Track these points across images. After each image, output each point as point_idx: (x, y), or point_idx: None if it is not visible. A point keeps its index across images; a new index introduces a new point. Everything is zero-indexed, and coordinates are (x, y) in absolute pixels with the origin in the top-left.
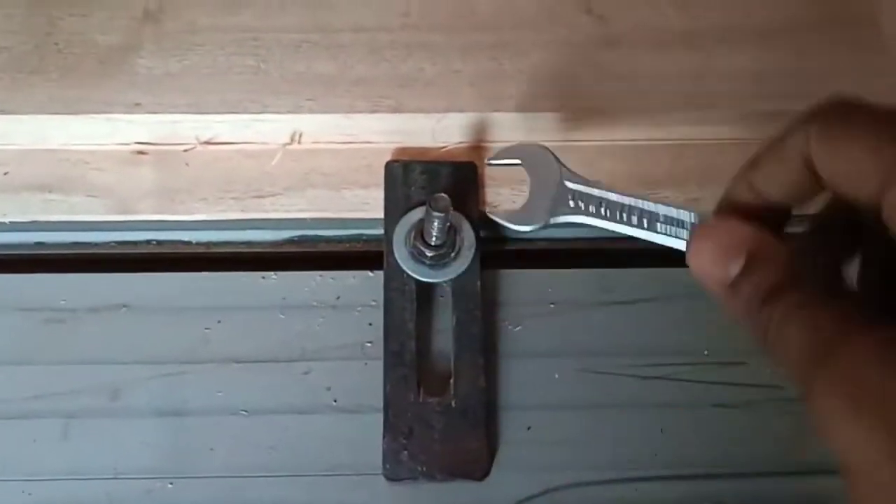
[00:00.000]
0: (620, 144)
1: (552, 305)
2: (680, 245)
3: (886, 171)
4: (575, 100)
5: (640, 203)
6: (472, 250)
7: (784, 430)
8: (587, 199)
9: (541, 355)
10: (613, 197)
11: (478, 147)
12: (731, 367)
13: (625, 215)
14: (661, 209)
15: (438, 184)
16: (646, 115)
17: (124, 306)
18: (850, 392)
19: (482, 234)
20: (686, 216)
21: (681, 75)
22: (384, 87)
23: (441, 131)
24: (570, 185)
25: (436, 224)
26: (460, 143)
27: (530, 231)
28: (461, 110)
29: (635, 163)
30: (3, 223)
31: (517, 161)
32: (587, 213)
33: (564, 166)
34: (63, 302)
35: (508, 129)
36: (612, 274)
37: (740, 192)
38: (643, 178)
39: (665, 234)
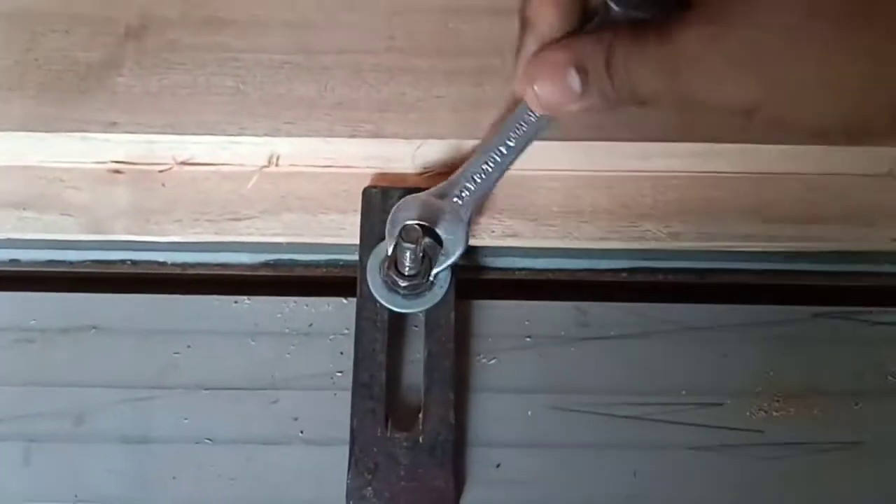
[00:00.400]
0: (603, 175)
1: (528, 339)
2: (536, 128)
3: None
4: (557, 128)
5: (487, 146)
6: (447, 280)
7: (761, 475)
8: (460, 186)
9: (514, 391)
10: (470, 166)
11: None
12: (708, 409)
13: (491, 162)
14: (503, 129)
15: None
16: (629, 145)
17: (94, 327)
18: (709, 68)
19: (459, 263)
20: (522, 110)
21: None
22: (364, 111)
23: (421, 157)
24: (444, 199)
25: (408, 255)
26: (441, 170)
27: (463, 251)
28: (442, 137)
29: (617, 194)
30: None
31: (417, 229)
32: (477, 192)
33: (428, 191)
34: (33, 322)
35: None
36: (590, 308)
37: (529, 46)
38: (625, 211)
39: (521, 135)
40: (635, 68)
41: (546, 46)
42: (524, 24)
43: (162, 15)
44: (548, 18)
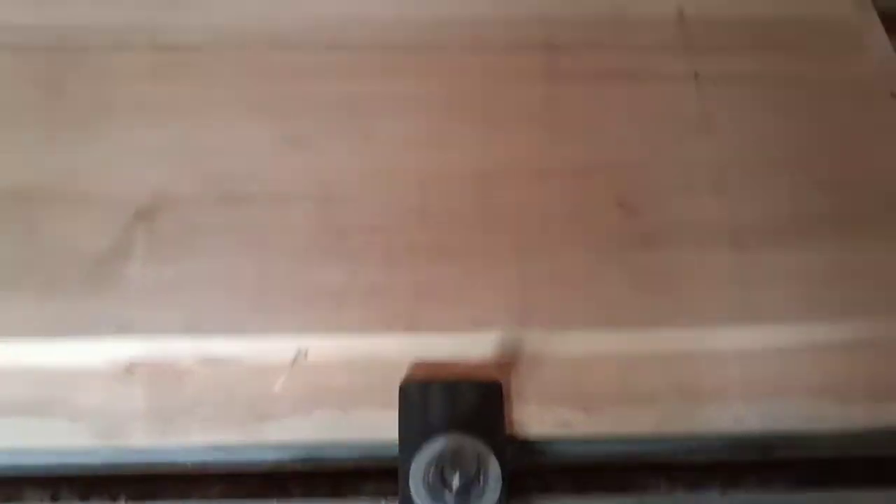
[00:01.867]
0: (661, 354)
1: None
2: None
3: None
4: (606, 309)
5: None
6: (499, 484)
7: None
8: None
9: None
10: None
11: (504, 364)
12: None
13: None
14: None
15: (460, 406)
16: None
17: None
18: None
19: (510, 460)
20: None
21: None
22: (399, 300)
23: (462, 347)
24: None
25: (457, 476)
26: (484, 359)
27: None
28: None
29: (676, 374)
30: None
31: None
32: None
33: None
34: None
35: (537, 344)
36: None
37: None
38: (685, 391)
39: None
40: None
41: None
42: None
43: (177, 192)
44: None
